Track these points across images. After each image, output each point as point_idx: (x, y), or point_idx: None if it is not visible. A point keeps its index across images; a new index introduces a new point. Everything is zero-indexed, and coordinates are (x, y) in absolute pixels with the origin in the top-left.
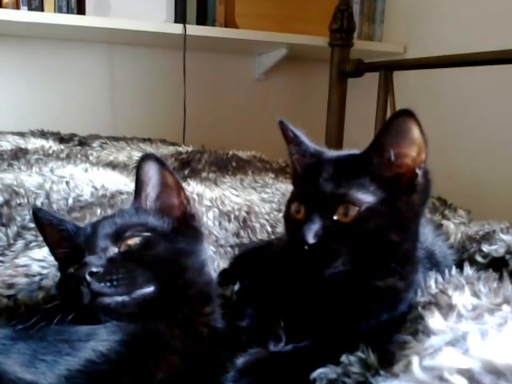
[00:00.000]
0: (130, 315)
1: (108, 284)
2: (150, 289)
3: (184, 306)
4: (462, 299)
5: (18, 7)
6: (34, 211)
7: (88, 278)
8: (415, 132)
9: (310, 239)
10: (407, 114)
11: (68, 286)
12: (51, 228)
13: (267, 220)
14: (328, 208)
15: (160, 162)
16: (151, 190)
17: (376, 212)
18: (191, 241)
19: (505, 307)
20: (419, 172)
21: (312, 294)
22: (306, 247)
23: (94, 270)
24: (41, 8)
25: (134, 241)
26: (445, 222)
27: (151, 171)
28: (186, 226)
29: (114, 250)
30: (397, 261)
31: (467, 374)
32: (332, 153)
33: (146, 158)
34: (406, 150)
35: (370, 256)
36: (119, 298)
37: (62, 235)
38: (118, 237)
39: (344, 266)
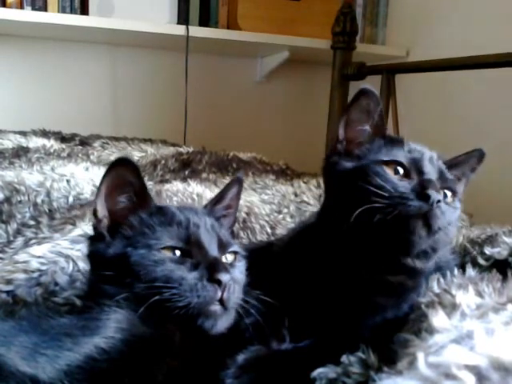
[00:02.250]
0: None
1: (234, 294)
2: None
3: None
4: (465, 298)
5: (21, 7)
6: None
7: (227, 281)
8: (476, 168)
9: (438, 196)
10: (481, 152)
11: (157, 265)
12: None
13: (267, 221)
14: (443, 183)
15: (242, 185)
16: (230, 205)
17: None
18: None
19: (510, 307)
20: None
21: (320, 289)
22: (428, 206)
23: (227, 279)
24: (44, 8)
25: (235, 260)
26: None
27: (233, 191)
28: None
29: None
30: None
31: (475, 370)
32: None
33: (237, 180)
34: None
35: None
36: (224, 311)
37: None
38: (223, 246)
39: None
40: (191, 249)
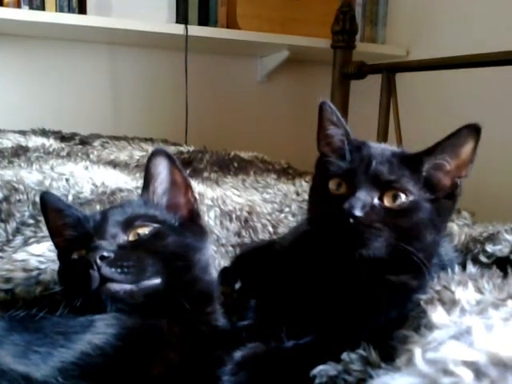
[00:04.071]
0: (136, 306)
1: (118, 270)
2: (157, 280)
3: (187, 302)
4: (465, 295)
5: (19, 6)
6: (42, 194)
7: (99, 261)
8: (470, 147)
9: (358, 212)
10: (473, 128)
11: (74, 271)
12: (57, 213)
13: (269, 220)
14: (378, 189)
15: (170, 158)
16: (159, 184)
17: (420, 207)
18: (198, 238)
19: (510, 303)
20: (459, 183)
21: (322, 287)
22: (352, 220)
23: (105, 254)
24: (42, 7)
25: (143, 230)
26: (448, 223)
27: (161, 166)
28: (192, 223)
29: (123, 238)
30: (417, 263)
31: (473, 366)
32: (375, 143)
33: (156, 152)
34: (456, 163)
35: (401, 248)
36: (128, 287)
37: (67, 221)
38: (127, 225)
39: (378, 251)
40: (86, 245)
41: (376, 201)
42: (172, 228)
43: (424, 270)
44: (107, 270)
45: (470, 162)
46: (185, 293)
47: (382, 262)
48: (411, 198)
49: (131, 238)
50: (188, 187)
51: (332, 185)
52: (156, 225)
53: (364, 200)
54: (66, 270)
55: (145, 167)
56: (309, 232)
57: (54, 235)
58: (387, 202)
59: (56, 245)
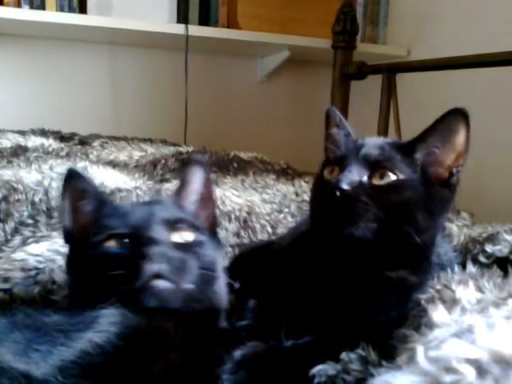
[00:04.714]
0: (169, 310)
1: (169, 268)
2: (192, 287)
3: (202, 313)
4: (466, 293)
5: (19, 5)
6: (71, 170)
7: (156, 253)
8: (462, 135)
9: (344, 185)
10: (461, 114)
11: (109, 261)
12: (83, 194)
13: (268, 221)
14: (367, 169)
15: (206, 169)
16: (191, 192)
17: (410, 187)
18: (219, 251)
19: (511, 301)
20: (455, 172)
21: (321, 287)
22: (338, 193)
23: (157, 250)
24: (42, 7)
25: (188, 235)
26: (448, 224)
27: (196, 176)
28: (213, 236)
29: (168, 237)
30: (414, 251)
31: (475, 363)
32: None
33: (195, 161)
34: (449, 151)
35: (392, 230)
36: (172, 286)
37: (93, 205)
38: (171, 225)
39: (366, 231)
40: (130, 237)
41: (365, 178)
42: (206, 238)
43: (421, 267)
44: (158, 266)
45: (465, 151)
46: (205, 303)
47: (377, 249)
48: (401, 176)
49: (175, 239)
50: (215, 201)
51: (326, 172)
52: (199, 233)
53: (351, 177)
54: (93, 258)
55: (184, 172)
56: (309, 230)
57: (74, 217)
58: (375, 181)
59: (72, 229)
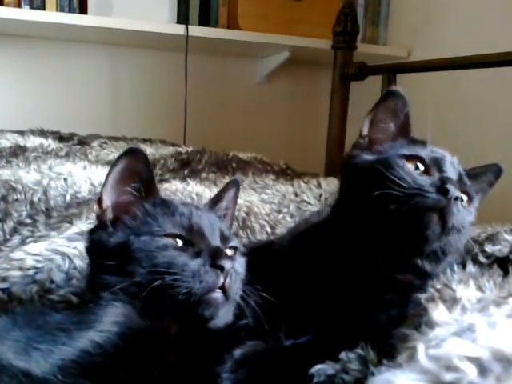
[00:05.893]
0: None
1: (236, 283)
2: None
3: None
4: (466, 293)
5: (19, 6)
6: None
7: (229, 268)
8: None
9: (457, 192)
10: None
11: (160, 252)
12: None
13: (267, 221)
14: (461, 186)
15: (239, 189)
16: (223, 208)
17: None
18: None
19: (511, 300)
20: None
21: (320, 287)
22: (445, 200)
23: (229, 266)
24: (42, 7)
25: (237, 253)
26: None
27: (231, 193)
28: None
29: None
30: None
31: (476, 362)
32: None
33: (235, 183)
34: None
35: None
36: (225, 301)
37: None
38: (225, 239)
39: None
40: (193, 238)
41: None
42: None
43: (428, 272)
44: (228, 281)
45: None
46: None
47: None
48: (473, 204)
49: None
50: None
51: (408, 164)
52: (242, 253)
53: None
54: (145, 247)
55: (223, 187)
56: (327, 220)
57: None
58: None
59: (112, 206)
